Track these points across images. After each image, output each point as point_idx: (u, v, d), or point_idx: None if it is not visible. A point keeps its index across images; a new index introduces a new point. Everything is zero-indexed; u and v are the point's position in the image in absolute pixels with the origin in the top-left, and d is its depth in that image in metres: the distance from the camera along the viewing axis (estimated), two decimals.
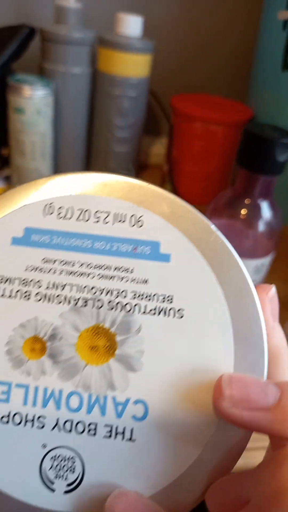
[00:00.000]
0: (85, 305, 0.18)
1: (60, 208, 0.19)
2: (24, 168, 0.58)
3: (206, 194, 0.66)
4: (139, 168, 0.70)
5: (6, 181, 0.62)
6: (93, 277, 0.19)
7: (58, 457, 0.18)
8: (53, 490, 0.18)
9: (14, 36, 0.56)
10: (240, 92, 0.76)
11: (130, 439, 0.18)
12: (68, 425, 0.18)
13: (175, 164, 0.64)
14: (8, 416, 0.18)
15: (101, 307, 0.19)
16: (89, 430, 0.18)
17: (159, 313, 0.18)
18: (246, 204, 0.37)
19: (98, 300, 0.19)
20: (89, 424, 0.18)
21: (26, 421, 0.18)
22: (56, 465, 0.18)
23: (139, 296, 0.19)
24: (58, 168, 0.65)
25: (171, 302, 0.19)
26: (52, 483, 0.18)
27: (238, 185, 0.37)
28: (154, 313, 0.18)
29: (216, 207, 0.38)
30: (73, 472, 0.18)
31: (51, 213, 0.19)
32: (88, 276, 0.19)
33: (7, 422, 0.18)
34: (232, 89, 0.76)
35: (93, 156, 0.66)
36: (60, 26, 0.56)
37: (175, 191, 0.66)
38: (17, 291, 0.19)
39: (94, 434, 0.18)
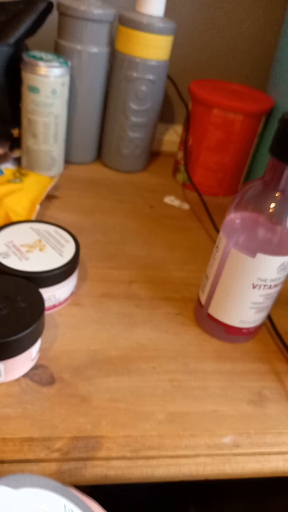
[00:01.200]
0: None
1: None
2: (35, 150, 0.56)
3: (220, 186, 0.64)
4: (151, 155, 0.68)
5: (16, 162, 0.59)
6: None
7: None
8: None
9: (31, 10, 0.53)
10: (260, 81, 0.74)
11: None
12: None
13: (189, 153, 0.62)
14: None
15: None
16: None
17: None
18: (276, 197, 0.35)
19: None
20: None
21: None
22: None
23: None
24: (70, 152, 0.62)
25: None
26: None
27: (269, 177, 0.35)
28: None
29: (242, 199, 0.36)
30: None
31: None
32: None
33: None
34: (251, 78, 0.74)
35: (105, 141, 0.64)
36: (79, 1, 0.53)
37: (189, 180, 0.64)
38: None
39: None
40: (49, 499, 0.18)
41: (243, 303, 0.37)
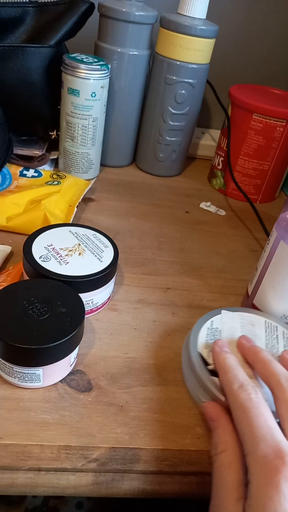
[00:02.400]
0: None
1: None
2: (72, 153, 0.56)
3: (257, 193, 0.62)
4: (187, 159, 0.67)
5: (52, 164, 0.59)
6: None
7: None
8: None
9: (72, 11, 0.53)
10: None
11: None
12: None
13: (227, 158, 0.61)
14: None
15: None
16: None
17: None
18: None
19: None
20: None
21: None
22: None
23: None
24: (106, 155, 0.62)
25: None
26: None
27: None
28: None
29: None
30: None
31: None
32: None
33: None
34: None
35: (141, 145, 0.64)
36: (120, 2, 0.53)
37: (226, 186, 0.63)
38: None
39: None
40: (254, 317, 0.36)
41: (287, 297, 0.36)
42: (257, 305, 0.39)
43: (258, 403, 0.26)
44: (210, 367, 0.32)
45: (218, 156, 0.63)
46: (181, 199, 0.60)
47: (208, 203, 0.59)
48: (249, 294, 0.40)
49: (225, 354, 0.31)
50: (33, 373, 0.30)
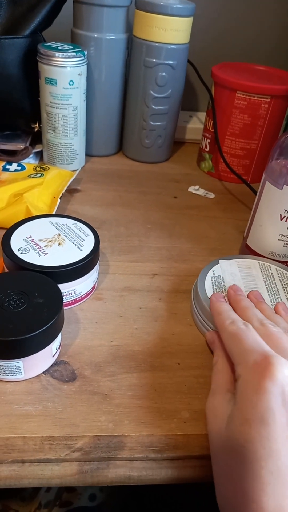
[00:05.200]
0: None
1: None
2: (55, 144, 0.55)
3: (246, 174, 0.61)
4: (174, 144, 0.66)
5: (37, 157, 0.59)
6: None
7: None
8: None
9: (45, 0, 0.52)
10: (282, 62, 0.70)
11: None
12: None
13: (214, 140, 0.60)
14: None
15: None
16: None
17: None
18: None
19: None
20: None
21: None
22: None
23: None
24: (91, 145, 0.61)
25: None
26: None
27: None
28: None
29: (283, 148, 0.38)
30: None
31: None
32: None
33: None
34: (277, 60, 0.70)
35: (126, 132, 0.63)
36: None
37: (215, 168, 0.61)
38: None
39: None
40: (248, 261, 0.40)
41: (273, 234, 0.41)
42: (250, 245, 0.43)
43: (248, 330, 0.28)
44: None
45: (205, 138, 0.62)
46: (170, 184, 0.59)
47: (197, 187, 0.58)
48: (244, 237, 0.45)
49: (220, 301, 0.34)
50: (13, 365, 0.30)
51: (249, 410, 0.24)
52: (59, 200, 0.48)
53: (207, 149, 0.61)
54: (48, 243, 0.36)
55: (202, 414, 0.30)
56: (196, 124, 0.70)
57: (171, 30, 0.53)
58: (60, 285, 0.34)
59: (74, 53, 0.50)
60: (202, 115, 0.72)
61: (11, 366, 0.30)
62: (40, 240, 0.37)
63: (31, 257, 0.35)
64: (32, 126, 0.57)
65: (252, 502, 0.22)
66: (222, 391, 0.28)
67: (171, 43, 0.53)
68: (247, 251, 0.44)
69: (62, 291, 0.34)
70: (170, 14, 0.51)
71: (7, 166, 0.53)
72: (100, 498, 0.60)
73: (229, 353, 0.29)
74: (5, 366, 0.29)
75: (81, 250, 0.36)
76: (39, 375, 0.32)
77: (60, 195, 0.48)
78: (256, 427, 0.23)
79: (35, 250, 0.35)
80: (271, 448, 0.23)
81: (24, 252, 0.35)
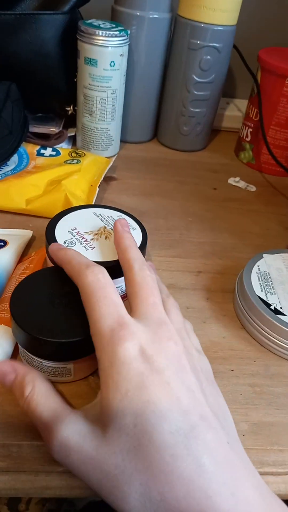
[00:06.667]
0: None
1: None
2: (91, 129, 0.53)
3: None
4: (211, 132, 0.63)
5: (70, 142, 0.56)
6: None
7: None
8: None
9: None
10: None
11: None
12: None
13: (257, 129, 0.57)
14: None
15: None
16: None
17: None
18: None
19: None
20: None
21: None
22: None
23: None
24: (126, 130, 0.58)
25: None
26: None
27: None
28: None
29: None
30: None
31: None
32: None
33: None
34: None
35: (164, 118, 0.60)
36: None
37: (255, 159, 0.59)
38: None
39: None
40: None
41: None
42: None
43: (105, 283, 0.25)
44: (272, 307, 0.33)
45: (246, 128, 0.58)
46: (208, 175, 0.56)
47: (237, 179, 0.55)
48: None
49: (62, 248, 0.30)
50: (63, 367, 0.28)
51: (121, 383, 0.21)
52: (97, 189, 0.45)
53: (248, 139, 0.58)
54: (94, 236, 0.34)
55: (261, 427, 0.28)
56: (233, 112, 0.67)
57: (220, 11, 0.49)
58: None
59: (117, 32, 0.47)
60: (240, 102, 0.69)
61: (61, 368, 0.28)
62: (86, 232, 0.35)
63: (78, 251, 0.32)
64: (67, 108, 0.55)
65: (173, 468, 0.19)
66: (66, 410, 0.23)
67: (218, 24, 0.50)
68: None
69: None
70: None
71: (42, 151, 0.50)
72: None
73: (87, 313, 0.25)
74: (55, 367, 0.28)
75: None
76: (87, 377, 0.30)
77: (99, 183, 0.46)
78: (137, 395, 0.21)
79: (81, 244, 0.33)
80: (161, 410, 0.20)
81: (70, 245, 0.33)
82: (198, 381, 0.23)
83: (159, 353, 0.22)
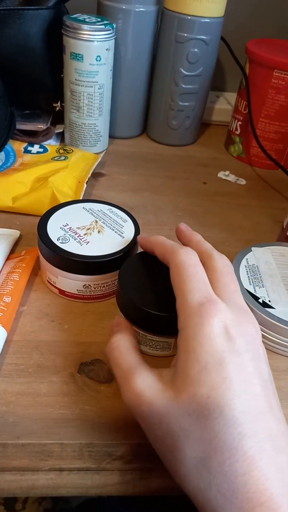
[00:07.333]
0: None
1: None
2: (78, 124, 0.52)
3: (279, 159, 0.58)
4: (201, 126, 0.63)
5: (58, 138, 0.56)
6: None
7: None
8: None
9: None
10: None
11: None
12: None
13: (246, 122, 0.56)
14: None
15: None
16: None
17: None
18: None
19: None
20: None
21: None
22: None
23: None
24: (115, 125, 0.58)
25: None
26: None
27: None
28: None
29: None
30: None
31: None
32: None
33: None
34: None
35: (152, 113, 0.59)
36: None
37: (245, 152, 0.58)
38: None
39: None
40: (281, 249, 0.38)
41: None
42: None
43: (197, 262, 0.26)
44: (260, 300, 0.33)
45: (236, 121, 0.58)
46: (198, 169, 0.56)
47: (227, 172, 0.55)
48: (284, 227, 0.42)
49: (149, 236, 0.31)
50: (165, 341, 0.30)
51: (202, 355, 0.22)
52: (85, 185, 0.45)
53: (238, 132, 0.58)
54: (87, 231, 0.34)
55: None
56: (223, 105, 0.66)
57: (206, 2, 0.49)
58: (108, 275, 0.33)
59: (103, 26, 0.46)
60: (230, 95, 0.68)
61: (163, 342, 0.30)
62: (78, 228, 0.34)
63: (73, 247, 0.32)
64: (54, 105, 0.54)
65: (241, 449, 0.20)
66: (144, 366, 0.24)
67: (205, 16, 0.50)
68: (286, 241, 0.41)
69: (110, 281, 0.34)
70: None
71: (29, 148, 0.50)
72: None
73: (174, 286, 0.26)
74: (157, 341, 0.30)
75: (123, 237, 0.34)
76: (74, 374, 0.30)
77: (86, 179, 0.46)
78: (216, 370, 0.21)
79: (75, 239, 0.33)
80: (235, 389, 0.21)
81: (64, 241, 0.33)
82: (270, 373, 0.24)
83: (241, 336, 0.23)
